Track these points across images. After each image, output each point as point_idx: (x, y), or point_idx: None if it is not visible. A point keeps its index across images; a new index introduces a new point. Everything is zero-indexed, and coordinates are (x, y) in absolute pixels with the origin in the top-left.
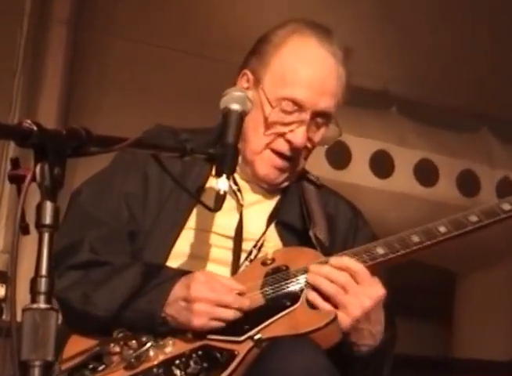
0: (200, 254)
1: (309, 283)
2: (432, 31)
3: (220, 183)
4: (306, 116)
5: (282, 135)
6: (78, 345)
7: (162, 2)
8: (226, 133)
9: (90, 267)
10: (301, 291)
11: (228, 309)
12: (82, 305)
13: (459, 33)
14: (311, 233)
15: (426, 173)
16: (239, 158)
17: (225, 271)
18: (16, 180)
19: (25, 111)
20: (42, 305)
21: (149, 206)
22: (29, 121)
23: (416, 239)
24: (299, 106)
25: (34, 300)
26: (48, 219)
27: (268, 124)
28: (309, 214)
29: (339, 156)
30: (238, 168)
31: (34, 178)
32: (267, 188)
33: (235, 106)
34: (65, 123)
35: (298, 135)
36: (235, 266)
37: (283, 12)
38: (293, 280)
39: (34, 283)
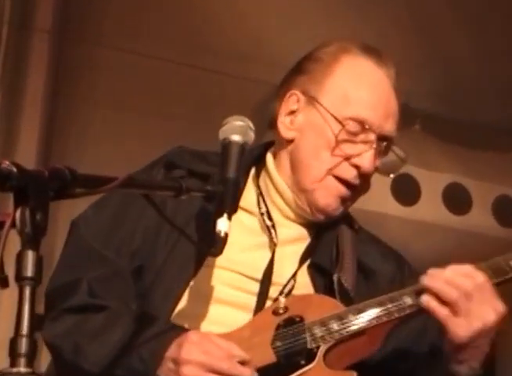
0: (217, 296)
1: (426, 285)
2: (460, 42)
3: (220, 224)
4: (373, 138)
5: (348, 158)
6: None
7: (157, 10)
8: (226, 167)
9: (86, 312)
10: (317, 347)
11: None
12: (73, 357)
13: (489, 44)
14: (335, 278)
15: (456, 199)
16: (285, 188)
17: (246, 317)
18: None
19: (2, 134)
20: (23, 370)
21: (162, 240)
22: (7, 162)
23: None
24: (366, 128)
25: (13, 363)
26: (29, 271)
27: (334, 146)
28: (338, 257)
29: None
30: (277, 202)
31: (13, 225)
32: (322, 219)
33: (236, 138)
34: (48, 146)
35: (366, 160)
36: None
37: (288, 23)
38: (309, 334)
39: (13, 343)
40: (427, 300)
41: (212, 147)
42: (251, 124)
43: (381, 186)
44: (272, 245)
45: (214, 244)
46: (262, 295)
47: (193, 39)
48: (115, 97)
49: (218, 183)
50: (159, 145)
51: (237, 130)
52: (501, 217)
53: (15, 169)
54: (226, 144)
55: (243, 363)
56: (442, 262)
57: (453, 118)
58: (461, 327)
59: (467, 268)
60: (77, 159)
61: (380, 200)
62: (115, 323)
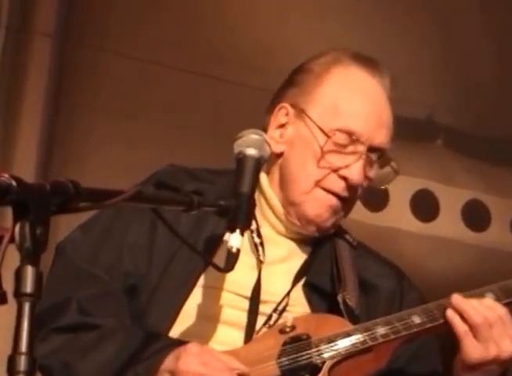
0: (212, 315)
1: (455, 303)
2: (484, 56)
3: (232, 240)
4: (362, 150)
5: (335, 170)
6: None
7: (161, 15)
8: (241, 182)
9: (77, 331)
10: (323, 362)
11: None
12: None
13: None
14: (339, 298)
15: (475, 216)
16: (276, 203)
17: (239, 335)
18: None
19: (1, 141)
20: None
21: (156, 258)
22: (6, 175)
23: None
24: (354, 140)
25: None
26: (28, 287)
27: (320, 158)
28: (339, 276)
29: (375, 197)
30: (269, 217)
31: (12, 239)
32: (315, 232)
33: (251, 152)
34: (48, 153)
35: (355, 171)
36: (250, 331)
37: (301, 33)
38: (315, 350)
39: (11, 361)
40: (451, 315)
41: (218, 157)
42: (267, 138)
43: (400, 201)
44: (259, 264)
45: (226, 260)
46: (252, 313)
47: (198, 46)
48: (118, 104)
49: (230, 198)
50: (163, 153)
51: (253, 143)
52: None
53: (14, 183)
54: (241, 158)
55: None
56: (461, 279)
57: (476, 133)
58: (477, 350)
59: (489, 301)
60: (79, 168)
61: (398, 215)
62: (108, 340)
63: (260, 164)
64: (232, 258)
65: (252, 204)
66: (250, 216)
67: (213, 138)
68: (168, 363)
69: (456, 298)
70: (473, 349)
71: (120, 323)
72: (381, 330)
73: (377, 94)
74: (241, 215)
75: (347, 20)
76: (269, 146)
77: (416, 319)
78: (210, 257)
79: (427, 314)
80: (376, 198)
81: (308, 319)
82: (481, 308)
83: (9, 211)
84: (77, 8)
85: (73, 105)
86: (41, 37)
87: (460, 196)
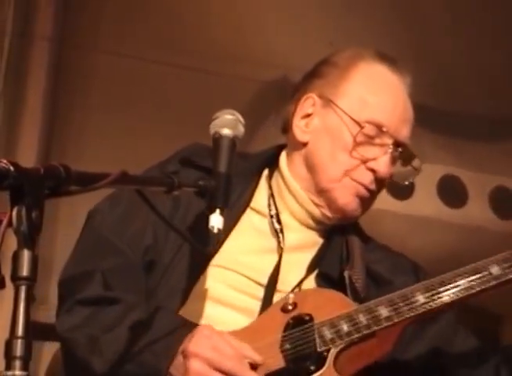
0: (222, 298)
1: None
2: (449, 33)
3: (213, 220)
4: (389, 143)
5: (364, 162)
6: None
7: (155, 15)
8: (218, 162)
9: (100, 305)
10: (327, 350)
11: None
12: (88, 349)
13: (478, 35)
14: (345, 274)
15: (452, 192)
16: (297, 189)
17: (247, 321)
18: None
19: (4, 138)
20: (18, 373)
21: (172, 235)
22: (4, 161)
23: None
24: (382, 132)
25: (8, 366)
26: (25, 271)
27: (351, 148)
28: (348, 257)
29: None
30: (289, 204)
31: (10, 224)
32: (341, 220)
33: (226, 131)
34: (47, 152)
35: (382, 164)
36: None
37: (286, 24)
38: (318, 336)
39: (9, 345)
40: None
41: None
42: (241, 118)
43: None
44: (279, 250)
45: (208, 241)
46: (267, 301)
47: (193, 42)
48: (114, 102)
49: (209, 178)
50: (160, 149)
51: (227, 124)
52: (499, 209)
53: (12, 168)
54: (217, 138)
55: (253, 365)
56: (443, 258)
57: (445, 110)
58: None
59: None
60: (77, 164)
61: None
62: (128, 317)
63: (235, 143)
64: (214, 238)
65: (230, 183)
66: (229, 195)
67: (203, 130)
68: (183, 344)
69: None
70: None
71: (139, 300)
72: (384, 313)
73: (400, 90)
74: (220, 195)
75: (356, 20)
76: (243, 125)
77: (420, 299)
78: (196, 237)
79: (430, 292)
80: None
81: (310, 296)
82: None
83: (6, 196)
84: (72, 11)
85: (70, 101)
86: (41, 41)
87: (434, 172)
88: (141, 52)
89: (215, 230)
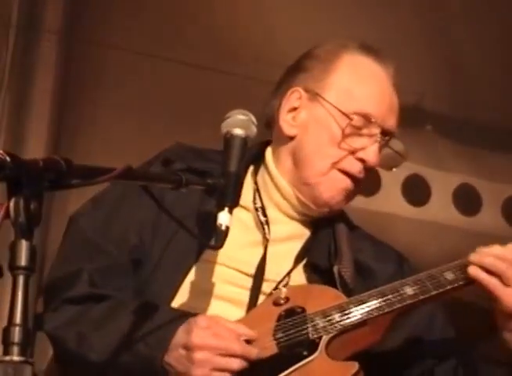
0: (212, 291)
1: (473, 260)
2: (472, 43)
3: (221, 218)
4: (377, 132)
5: (353, 152)
6: None
7: (166, 11)
8: (228, 161)
9: (88, 302)
10: (320, 338)
11: (233, 359)
12: (77, 347)
13: (501, 46)
14: (334, 270)
15: (466, 200)
16: (283, 183)
17: (240, 313)
18: None
19: (12, 132)
20: (16, 358)
21: (160, 233)
22: (1, 151)
23: (449, 276)
24: (370, 122)
25: (6, 352)
26: (23, 260)
27: (340, 140)
28: (336, 251)
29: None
30: (274, 197)
31: (7, 215)
32: (326, 213)
33: (238, 131)
34: (56, 148)
35: (371, 153)
36: (251, 309)
37: (300, 25)
38: (310, 325)
39: (6, 332)
40: (475, 271)
41: (214, 145)
42: (254, 118)
43: (391, 186)
44: (265, 241)
45: (215, 238)
46: (255, 290)
47: (202, 40)
48: (124, 98)
49: (219, 177)
50: (161, 140)
51: (239, 124)
52: (510, 217)
53: (8, 158)
54: (228, 138)
55: (249, 341)
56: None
57: (465, 119)
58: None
59: (499, 248)
60: (85, 159)
61: (390, 200)
62: (119, 312)
63: (246, 143)
64: (222, 235)
65: (240, 183)
66: (238, 194)
67: (209, 127)
68: (180, 337)
69: (473, 255)
70: (508, 297)
71: (127, 296)
72: (375, 303)
73: (385, 80)
74: (229, 194)
75: (355, 15)
76: (255, 125)
77: (409, 291)
78: (203, 234)
79: (420, 286)
80: (368, 183)
81: (302, 291)
82: (504, 252)
83: (3, 188)
84: (82, 5)
85: (78, 96)
86: (49, 35)
87: (451, 180)
88: (153, 49)
89: (223, 227)
